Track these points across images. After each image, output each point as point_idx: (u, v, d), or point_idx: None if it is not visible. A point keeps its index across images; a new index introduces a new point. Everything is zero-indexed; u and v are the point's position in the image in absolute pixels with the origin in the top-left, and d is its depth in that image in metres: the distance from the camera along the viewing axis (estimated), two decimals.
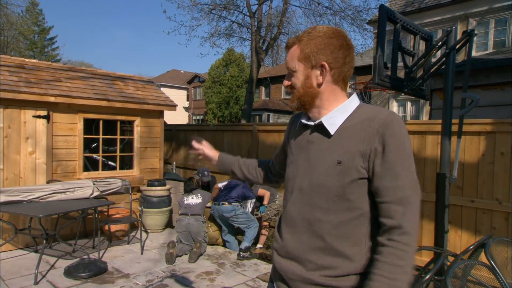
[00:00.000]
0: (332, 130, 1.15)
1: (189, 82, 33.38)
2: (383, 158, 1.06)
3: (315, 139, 1.19)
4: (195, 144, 1.67)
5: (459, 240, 3.84)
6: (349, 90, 17.66)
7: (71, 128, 4.77)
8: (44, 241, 3.68)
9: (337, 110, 1.17)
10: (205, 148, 1.69)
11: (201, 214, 4.75)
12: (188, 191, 4.96)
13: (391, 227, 1.04)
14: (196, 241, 4.43)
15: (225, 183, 5.02)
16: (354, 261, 1.10)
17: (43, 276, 3.59)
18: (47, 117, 4.51)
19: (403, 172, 1.05)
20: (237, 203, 4.70)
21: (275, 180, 1.64)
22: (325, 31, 1.16)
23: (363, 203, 1.11)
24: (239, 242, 4.85)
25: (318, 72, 1.16)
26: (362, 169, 1.08)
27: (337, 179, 1.10)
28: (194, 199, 4.88)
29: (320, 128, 1.18)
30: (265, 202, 5.15)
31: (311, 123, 1.21)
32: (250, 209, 4.97)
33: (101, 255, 4.18)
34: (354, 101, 1.18)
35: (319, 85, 1.17)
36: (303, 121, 1.25)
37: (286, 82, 1.23)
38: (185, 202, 4.83)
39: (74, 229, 4.65)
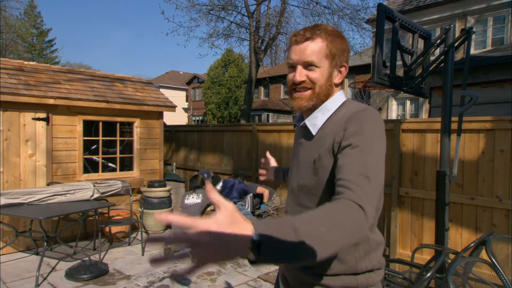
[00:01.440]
0: (314, 131, 1.16)
1: (188, 83, 33.37)
2: (342, 149, 1.01)
3: (303, 140, 1.22)
4: (263, 160, 1.73)
5: (459, 237, 3.84)
6: (347, 89, 17.65)
7: (71, 130, 4.77)
8: (45, 244, 3.68)
9: (320, 110, 1.16)
10: (272, 164, 1.72)
11: (197, 214, 4.77)
12: (192, 188, 5.01)
13: (342, 192, 0.91)
14: None
15: (220, 183, 5.07)
16: (344, 262, 1.10)
17: (44, 279, 3.58)
18: (46, 120, 4.51)
19: (360, 159, 0.96)
20: (240, 202, 4.81)
21: None
22: (342, 34, 1.17)
23: None
24: None
25: (336, 72, 1.16)
26: (331, 166, 1.06)
27: (313, 178, 1.12)
28: (194, 199, 4.93)
29: (306, 129, 1.20)
30: (265, 200, 5.20)
31: (298, 124, 1.24)
32: (250, 205, 5.06)
33: (102, 256, 4.18)
34: (337, 99, 1.17)
35: (337, 85, 1.18)
36: (295, 122, 1.28)
37: (300, 77, 1.12)
38: (185, 202, 4.88)
39: (74, 231, 4.65)
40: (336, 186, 0.95)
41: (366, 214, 0.85)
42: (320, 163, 1.09)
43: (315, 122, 1.16)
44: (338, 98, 1.17)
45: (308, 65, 1.12)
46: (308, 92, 1.14)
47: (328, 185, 1.08)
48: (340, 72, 1.17)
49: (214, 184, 5.74)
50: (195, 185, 5.03)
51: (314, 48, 1.11)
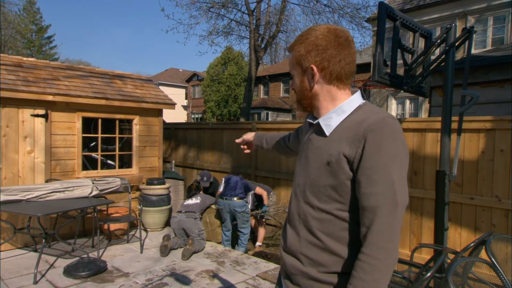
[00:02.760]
0: (327, 131, 1.16)
1: (188, 81, 33.31)
2: (362, 164, 1.04)
3: (314, 137, 1.22)
4: (237, 140, 1.89)
5: (459, 237, 3.84)
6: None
7: (70, 127, 4.75)
8: (43, 241, 3.67)
9: (334, 111, 1.16)
10: (244, 136, 1.87)
11: (195, 212, 4.85)
12: (189, 196, 5.24)
13: (363, 235, 1.05)
14: (189, 238, 4.48)
15: (222, 182, 5.15)
16: (347, 260, 1.11)
17: (43, 276, 3.57)
18: (45, 116, 4.49)
19: (380, 180, 1.02)
20: (245, 199, 4.93)
21: (288, 153, 1.77)
22: (316, 34, 1.15)
23: (352, 205, 1.10)
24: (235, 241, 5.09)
25: (309, 77, 1.18)
26: (349, 172, 1.08)
27: (327, 179, 1.12)
28: (193, 200, 5.09)
29: (318, 128, 1.20)
30: (265, 202, 5.22)
31: (313, 122, 1.24)
32: (252, 202, 5.16)
33: (100, 254, 4.17)
34: (354, 101, 1.16)
35: (312, 87, 1.19)
36: (308, 119, 1.29)
37: (290, 86, 1.29)
38: (184, 203, 5.04)
39: (73, 228, 4.64)
40: (362, 212, 1.05)
41: (385, 247, 1.01)
42: (337, 165, 1.09)
43: (329, 122, 1.16)
44: (355, 100, 1.17)
45: (291, 75, 1.25)
46: (295, 99, 1.28)
47: (345, 188, 1.09)
48: (312, 75, 1.16)
49: (214, 187, 5.76)
50: (191, 194, 5.26)
51: (289, 59, 1.24)
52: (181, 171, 7.63)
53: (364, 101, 1.18)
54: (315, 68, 1.15)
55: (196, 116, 31.84)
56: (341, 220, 1.11)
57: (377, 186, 1.01)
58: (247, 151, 1.89)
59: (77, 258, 3.87)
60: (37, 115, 4.43)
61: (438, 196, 2.93)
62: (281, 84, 25.24)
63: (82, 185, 4.25)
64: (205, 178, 5.64)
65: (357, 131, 1.07)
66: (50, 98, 4.43)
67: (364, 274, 1.01)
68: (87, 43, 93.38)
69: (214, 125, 7.03)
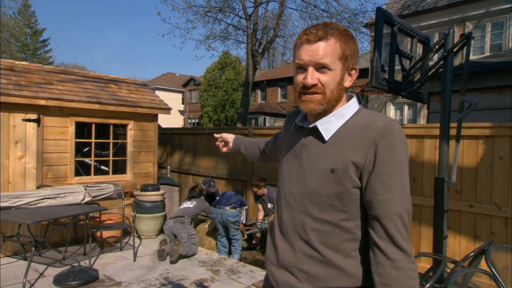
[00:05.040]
0: (326, 136, 1.11)
1: (185, 85, 33.33)
2: (376, 170, 1.02)
3: (309, 143, 1.15)
4: (216, 135, 1.87)
5: (458, 245, 3.82)
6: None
7: (63, 132, 4.71)
8: (33, 249, 3.61)
9: (334, 115, 1.12)
10: (224, 134, 1.84)
11: (184, 216, 4.90)
12: (188, 198, 5.29)
13: (379, 242, 1.01)
14: (176, 239, 4.51)
15: (219, 194, 5.26)
16: (349, 274, 1.06)
17: (32, 285, 3.51)
18: (37, 121, 4.45)
19: (396, 186, 1.01)
20: (238, 209, 4.92)
21: (265, 160, 1.73)
22: (353, 34, 1.15)
23: (357, 214, 1.07)
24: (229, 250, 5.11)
25: (347, 76, 1.13)
26: (356, 179, 1.04)
27: (331, 187, 1.06)
28: (187, 205, 5.12)
29: (315, 132, 1.14)
30: (260, 217, 5.19)
31: (306, 125, 1.17)
32: (245, 217, 5.17)
33: (92, 262, 4.11)
34: (352, 106, 1.14)
35: (347, 89, 1.15)
36: (298, 122, 1.21)
37: (312, 80, 1.07)
38: (180, 207, 5.11)
39: (64, 236, 4.58)
40: (376, 219, 1.02)
41: (409, 253, 1.01)
42: (343, 173, 1.04)
43: (328, 126, 1.11)
44: (353, 104, 1.14)
45: (320, 67, 1.07)
46: (318, 96, 1.09)
47: (350, 197, 1.06)
48: (350, 75, 1.13)
49: (215, 194, 5.75)
50: (192, 195, 5.30)
51: (327, 49, 1.06)
52: (177, 177, 7.58)
53: (360, 106, 1.16)
54: (357, 70, 1.14)
55: (193, 121, 31.81)
56: (344, 230, 1.07)
57: (393, 192, 1.01)
58: (223, 149, 1.84)
59: (68, 267, 3.81)
60: (29, 120, 4.39)
61: (437, 204, 2.91)
62: (279, 89, 25.30)
63: (74, 192, 4.20)
64: (212, 184, 5.72)
65: (365, 136, 1.04)
66: (42, 102, 4.40)
67: (394, 281, 0.98)
68: (82, 47, 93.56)
69: (210, 130, 7.01)
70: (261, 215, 5.23)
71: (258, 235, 5.23)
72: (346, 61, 1.09)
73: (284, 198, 1.19)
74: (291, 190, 1.17)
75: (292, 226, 1.15)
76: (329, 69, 1.07)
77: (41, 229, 4.45)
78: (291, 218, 1.15)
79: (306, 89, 1.09)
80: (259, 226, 5.16)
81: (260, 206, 5.24)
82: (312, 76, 1.07)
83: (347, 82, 1.13)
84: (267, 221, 5.09)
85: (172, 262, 4.24)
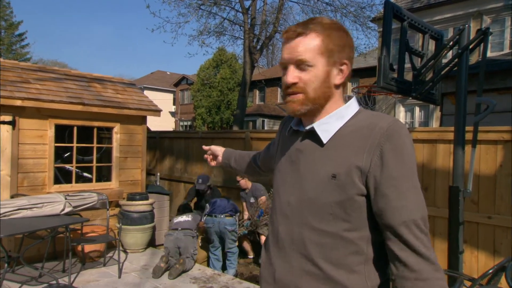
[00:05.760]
0: (325, 138, 1.10)
1: (176, 85, 33.40)
2: (386, 174, 1.01)
3: (306, 147, 1.14)
4: (205, 147, 1.87)
5: (475, 261, 3.80)
6: (350, 93, 17.76)
7: (41, 136, 4.69)
8: (6, 265, 3.57)
9: (332, 116, 1.12)
10: (213, 147, 1.85)
11: (192, 229, 4.88)
12: (179, 215, 5.27)
13: (406, 255, 1.00)
14: (180, 257, 4.52)
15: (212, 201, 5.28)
16: None
17: None
18: (12, 123, 4.43)
19: (409, 191, 1.01)
20: (234, 217, 5.01)
21: (258, 174, 1.74)
22: (342, 27, 1.14)
23: (361, 224, 1.06)
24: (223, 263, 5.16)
25: (336, 71, 1.12)
26: (361, 185, 1.03)
27: (332, 195, 1.05)
28: (184, 218, 5.09)
29: (312, 135, 1.14)
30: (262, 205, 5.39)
31: (302, 129, 1.17)
32: (237, 224, 5.25)
33: (72, 279, 4.07)
34: (352, 107, 1.14)
35: (337, 86, 1.13)
36: (293, 126, 1.21)
37: (292, 78, 1.09)
38: (175, 221, 5.03)
39: (41, 250, 4.54)
40: (386, 231, 1.03)
41: (433, 260, 1.01)
42: (346, 178, 1.04)
43: (326, 128, 1.11)
44: (353, 104, 1.14)
45: (300, 64, 1.08)
46: (300, 96, 1.10)
47: (354, 205, 1.05)
48: (341, 71, 1.12)
49: (213, 196, 5.72)
50: (184, 211, 5.39)
51: (306, 45, 1.07)
52: (167, 185, 7.55)
53: (360, 106, 1.16)
54: (349, 66, 1.13)
55: (185, 123, 31.83)
56: (347, 242, 1.05)
57: (407, 198, 1.00)
58: (212, 163, 1.84)
59: (44, 285, 3.77)
60: (3, 122, 4.37)
61: (452, 215, 2.90)
62: (278, 89, 25.37)
63: (53, 201, 4.16)
64: (200, 180, 5.59)
65: (368, 137, 1.03)
66: (18, 103, 4.38)
67: None
68: (63, 42, 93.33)
69: (204, 134, 7.00)
70: (246, 215, 5.51)
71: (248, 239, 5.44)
72: (331, 56, 1.09)
73: (280, 209, 1.18)
74: (287, 200, 1.15)
75: (289, 240, 1.13)
76: (309, 65, 1.08)
77: (15, 243, 4.40)
78: (289, 232, 1.14)
79: (288, 88, 1.11)
80: (245, 224, 5.39)
81: (244, 204, 5.53)
82: (291, 74, 1.09)
83: (338, 79, 1.12)
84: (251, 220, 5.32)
85: (169, 278, 4.26)
